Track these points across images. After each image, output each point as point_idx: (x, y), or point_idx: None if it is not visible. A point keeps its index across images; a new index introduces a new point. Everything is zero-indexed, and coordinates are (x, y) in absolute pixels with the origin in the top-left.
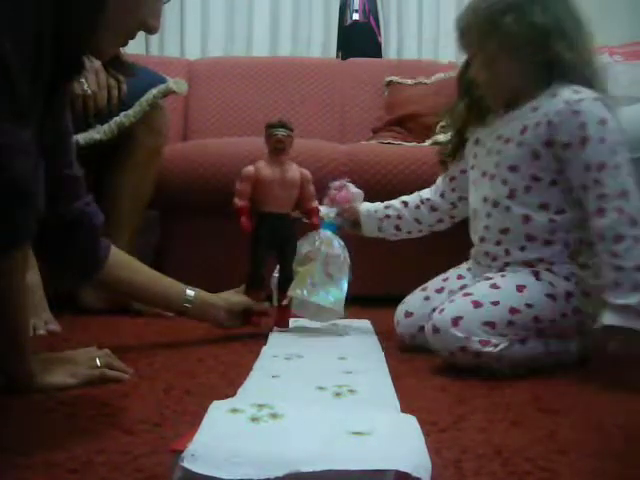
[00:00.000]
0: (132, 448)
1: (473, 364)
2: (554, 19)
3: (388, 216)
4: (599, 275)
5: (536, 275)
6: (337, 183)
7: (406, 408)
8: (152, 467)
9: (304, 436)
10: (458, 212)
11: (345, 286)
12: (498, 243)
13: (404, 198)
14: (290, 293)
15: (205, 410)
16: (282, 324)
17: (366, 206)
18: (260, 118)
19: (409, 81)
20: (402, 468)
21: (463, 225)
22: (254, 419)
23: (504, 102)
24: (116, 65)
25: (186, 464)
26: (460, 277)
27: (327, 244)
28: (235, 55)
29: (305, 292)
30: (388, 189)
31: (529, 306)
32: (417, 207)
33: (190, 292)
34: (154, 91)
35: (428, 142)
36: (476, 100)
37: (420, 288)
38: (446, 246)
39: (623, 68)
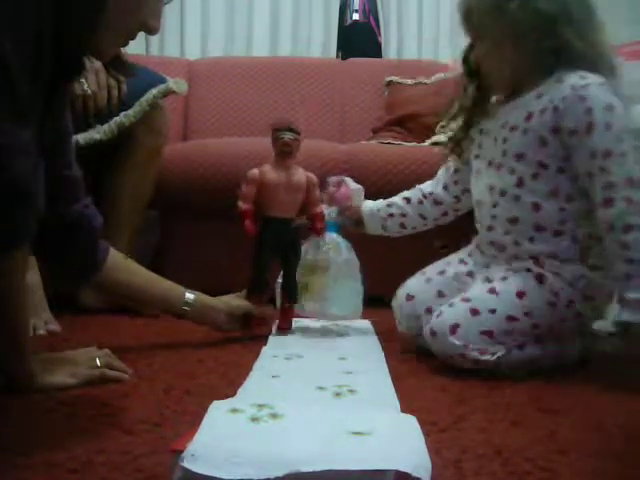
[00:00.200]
0: (132, 448)
1: (472, 368)
2: (561, 5)
3: (392, 215)
4: (609, 270)
5: (539, 279)
6: (335, 178)
7: (406, 408)
8: (152, 467)
9: (304, 436)
10: (462, 205)
11: (360, 288)
12: (507, 233)
13: (405, 194)
14: (306, 307)
15: (205, 410)
16: (284, 326)
17: (369, 205)
18: (260, 118)
19: (409, 81)
20: (402, 468)
21: (463, 225)
22: (254, 419)
23: (508, 88)
24: (116, 65)
25: (186, 464)
26: (463, 262)
27: (335, 250)
28: (235, 55)
29: (319, 306)
30: (388, 189)
31: (527, 314)
32: (420, 202)
33: (190, 295)
34: (154, 91)
35: (428, 142)
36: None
37: (419, 272)
38: None
39: (624, 69)
